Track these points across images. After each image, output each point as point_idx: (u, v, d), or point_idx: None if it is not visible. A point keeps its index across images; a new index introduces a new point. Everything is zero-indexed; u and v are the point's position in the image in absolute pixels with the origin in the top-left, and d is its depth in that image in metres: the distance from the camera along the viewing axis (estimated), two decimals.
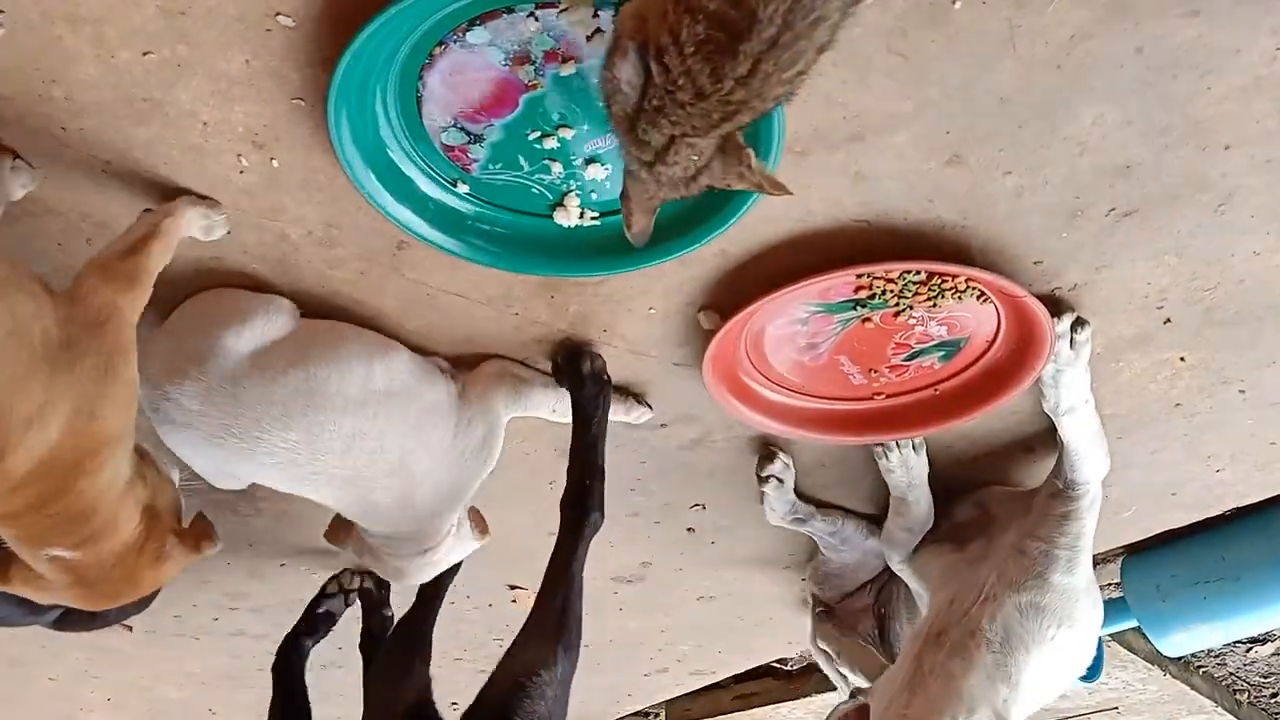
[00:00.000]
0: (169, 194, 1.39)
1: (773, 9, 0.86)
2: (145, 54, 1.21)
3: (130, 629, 2.75)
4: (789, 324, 1.64)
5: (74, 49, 1.20)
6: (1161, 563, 2.40)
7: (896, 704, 1.77)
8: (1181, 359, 1.74)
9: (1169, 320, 1.65)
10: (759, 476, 1.98)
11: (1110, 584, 2.56)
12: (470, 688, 3.03)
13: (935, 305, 1.58)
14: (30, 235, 1.46)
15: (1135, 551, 2.46)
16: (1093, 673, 2.67)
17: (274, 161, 1.35)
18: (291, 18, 1.16)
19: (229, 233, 1.43)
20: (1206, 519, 2.23)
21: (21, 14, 1.16)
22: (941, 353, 1.72)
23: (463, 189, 1.39)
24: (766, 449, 1.97)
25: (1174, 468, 2.03)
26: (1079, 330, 1.62)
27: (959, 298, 1.57)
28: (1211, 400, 1.83)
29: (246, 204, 1.42)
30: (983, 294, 1.57)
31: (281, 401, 1.45)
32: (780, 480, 1.99)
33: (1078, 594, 1.86)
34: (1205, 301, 1.61)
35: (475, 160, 1.35)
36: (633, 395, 1.82)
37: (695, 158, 1.00)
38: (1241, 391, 1.81)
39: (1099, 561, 2.60)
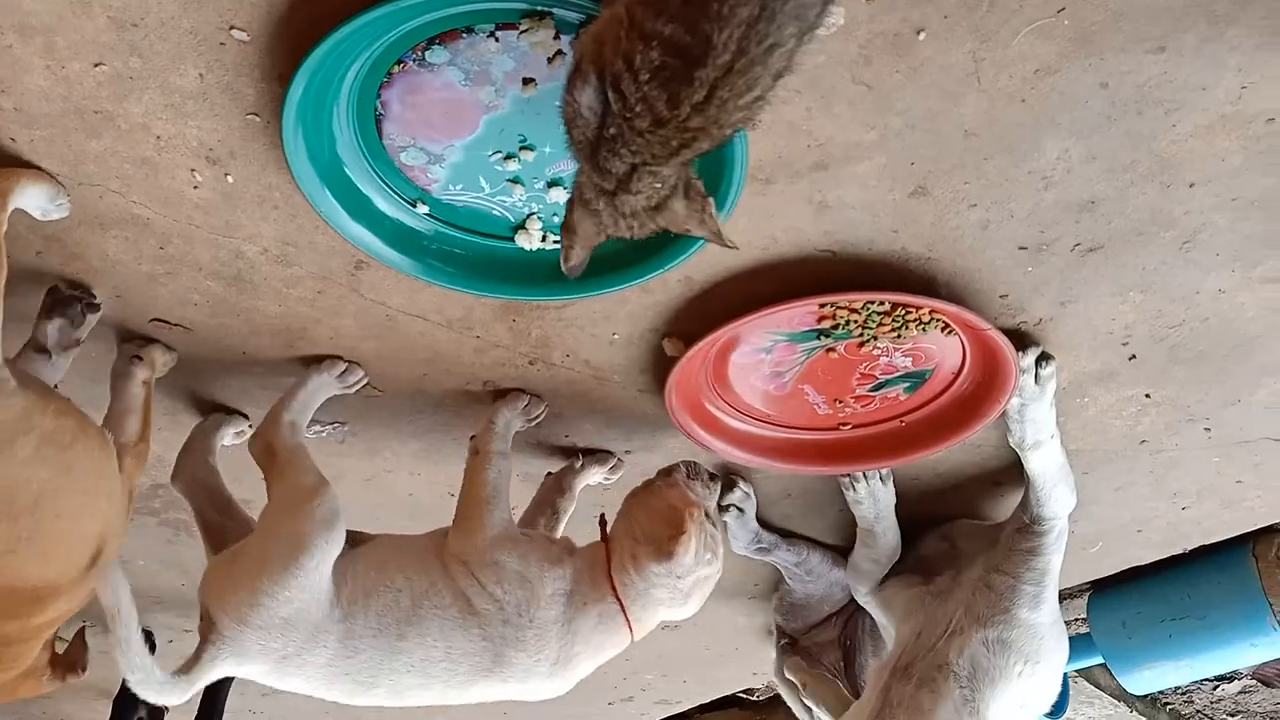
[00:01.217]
0: (121, 208, 1.36)
1: (727, 35, 0.85)
2: (96, 65, 1.18)
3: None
4: (753, 352, 1.62)
5: (24, 59, 1.17)
6: (1128, 599, 2.39)
7: None
8: (1147, 395, 1.73)
9: (1134, 357, 1.64)
10: (719, 506, 1.96)
11: (1077, 619, 2.54)
12: (431, 715, 2.98)
13: (900, 336, 1.57)
14: None
15: (1102, 588, 2.45)
16: (1059, 709, 2.64)
17: (229, 177, 1.32)
18: (246, 32, 1.14)
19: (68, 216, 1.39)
20: (1173, 556, 2.22)
21: None
22: (907, 384, 1.70)
23: (422, 209, 1.37)
24: (727, 478, 1.95)
25: (1140, 504, 2.02)
26: (1044, 365, 1.61)
27: (923, 329, 1.55)
28: (1177, 437, 1.83)
29: (201, 220, 1.40)
30: (947, 326, 1.56)
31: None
32: (741, 510, 1.97)
33: (1043, 630, 1.84)
34: (1170, 339, 1.61)
35: (435, 181, 1.33)
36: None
37: (658, 185, 0.99)
38: (1207, 429, 1.80)
39: (1066, 597, 2.60)
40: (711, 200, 1.07)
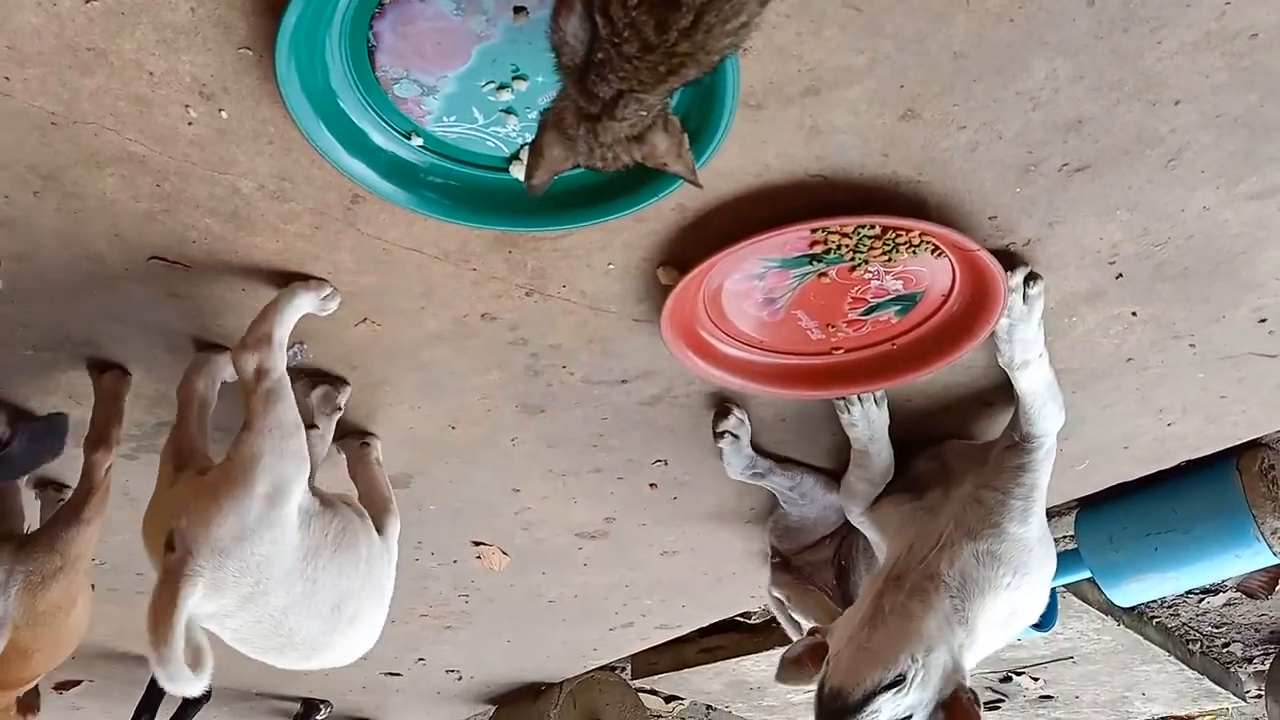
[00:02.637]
0: (117, 145, 1.37)
1: None
2: (88, 1, 1.18)
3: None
4: (746, 280, 1.65)
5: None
6: (1114, 515, 2.45)
7: (857, 638, 1.80)
8: (1133, 314, 1.76)
9: (1121, 275, 1.67)
10: (714, 432, 2.00)
11: (1064, 536, 2.61)
12: (436, 643, 3.06)
13: (890, 260, 1.59)
14: None
15: (1089, 504, 2.50)
16: (1047, 621, 2.72)
17: (222, 113, 1.33)
18: None
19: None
20: (1159, 472, 2.27)
21: None
22: (898, 307, 1.73)
23: (416, 142, 1.38)
24: (722, 405, 1.98)
25: (1126, 421, 2.06)
26: (1032, 285, 1.63)
27: (913, 252, 1.58)
28: (1162, 355, 1.86)
29: (197, 156, 1.41)
30: (937, 249, 1.58)
31: None
32: (735, 436, 2.01)
33: (1031, 544, 1.89)
34: (1156, 257, 1.63)
35: (429, 113, 1.34)
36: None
37: (643, 114, 1.00)
38: (1192, 346, 1.84)
39: (1054, 514, 2.65)
40: (686, 135, 1.08)
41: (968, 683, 1.76)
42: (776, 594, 2.35)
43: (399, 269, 1.62)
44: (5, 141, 1.37)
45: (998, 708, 3.99)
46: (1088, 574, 2.51)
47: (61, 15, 1.20)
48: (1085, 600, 2.98)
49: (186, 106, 1.32)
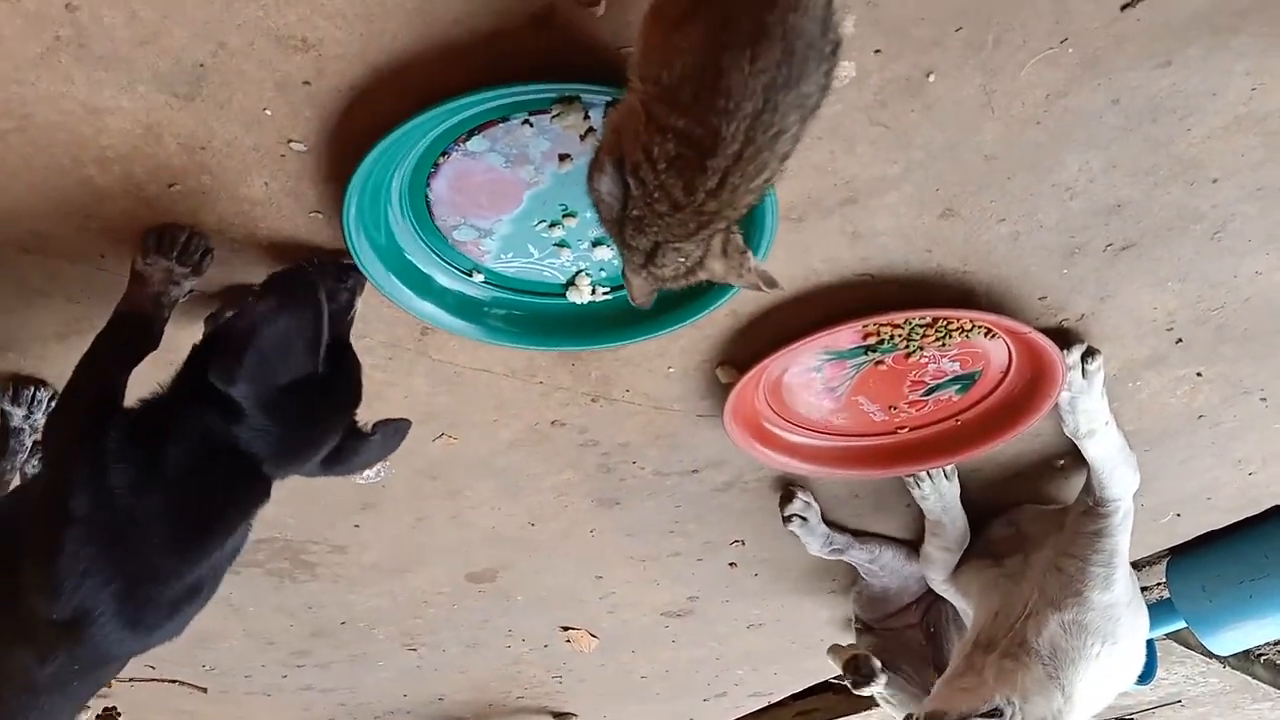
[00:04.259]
0: (205, 305, 1.47)
1: (735, 127, 0.92)
2: (171, 186, 1.29)
3: (205, 690, 2.86)
4: (804, 372, 1.69)
5: (105, 187, 1.28)
6: (1206, 563, 2.40)
7: (952, 684, 1.82)
8: (1198, 374, 1.76)
9: (1180, 340, 1.68)
10: (783, 517, 2.03)
11: (1157, 583, 2.57)
12: None
13: (944, 345, 1.62)
14: None
15: (1180, 553, 2.47)
16: (1147, 675, 2.67)
17: None
18: (303, 143, 1.24)
19: None
20: (1248, 518, 2.24)
21: (53, 158, 1.25)
22: (958, 386, 1.75)
23: (478, 278, 1.46)
24: (786, 489, 2.02)
25: (1206, 474, 2.04)
26: (1090, 360, 1.65)
27: (966, 335, 1.61)
28: (1234, 410, 1.85)
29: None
30: (990, 330, 1.61)
31: None
32: (804, 518, 2.04)
33: (1119, 609, 1.88)
34: (1214, 321, 1.64)
35: (487, 252, 1.42)
36: None
37: (683, 260, 1.06)
38: (1263, 399, 1.83)
39: (1145, 564, 2.62)
40: (749, 254, 1.13)
41: None
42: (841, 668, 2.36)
43: (470, 388, 1.70)
44: (105, 305, 1.48)
45: None
46: (1182, 624, 2.46)
47: (149, 199, 1.30)
48: (1187, 646, 2.92)
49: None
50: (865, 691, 2.18)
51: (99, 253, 1.38)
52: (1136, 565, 2.67)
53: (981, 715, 1.73)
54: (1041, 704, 1.77)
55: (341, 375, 1.34)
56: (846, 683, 2.23)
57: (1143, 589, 2.75)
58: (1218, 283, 1.56)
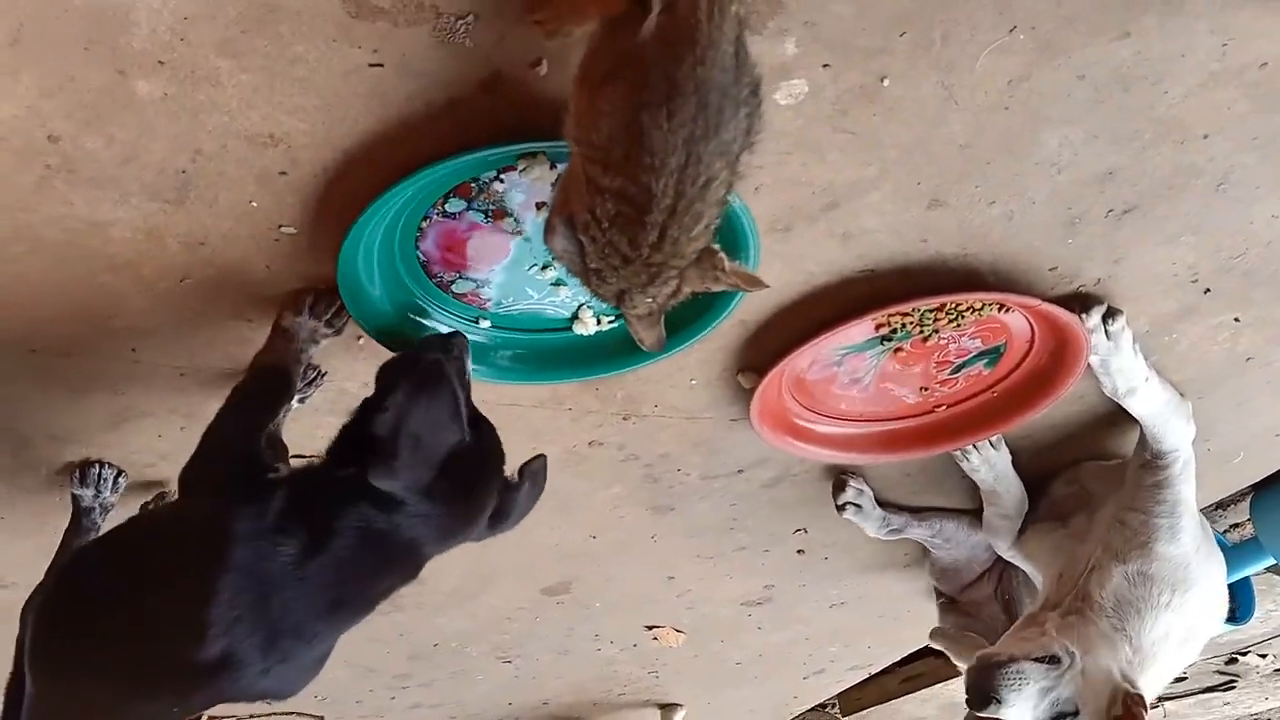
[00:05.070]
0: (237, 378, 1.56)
1: (664, 183, 0.94)
2: (182, 280, 1.37)
3: (322, 718, 3.01)
4: (824, 368, 1.70)
5: (119, 289, 1.37)
6: None
7: (1016, 634, 1.82)
8: (1236, 320, 1.72)
9: (1209, 290, 1.64)
10: (836, 506, 2.04)
11: (1240, 523, 2.52)
12: (630, 715, 3.17)
13: (959, 325, 1.62)
14: (139, 434, 1.66)
15: (1261, 489, 2.40)
16: (1244, 614, 2.61)
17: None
18: (292, 226, 1.31)
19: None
20: None
21: (68, 271, 1.33)
22: (985, 360, 1.74)
23: (485, 325, 1.51)
24: (837, 478, 2.03)
25: (1268, 412, 1.99)
26: (1112, 321, 1.62)
27: (978, 314, 1.60)
28: None
29: (309, 373, 1.58)
30: (1002, 305, 1.60)
31: None
32: (858, 505, 2.04)
33: (1187, 559, 1.85)
34: (1239, 267, 1.59)
35: (489, 299, 1.47)
36: None
37: (650, 300, 1.09)
38: None
39: (1230, 503, 2.56)
40: (721, 255, 1.13)
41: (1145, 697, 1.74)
42: (936, 643, 2.36)
43: (502, 421, 1.73)
44: (151, 398, 1.58)
45: (1233, 688, 3.82)
46: (1271, 560, 2.40)
47: (162, 294, 1.39)
48: None
49: None
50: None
51: (129, 347, 1.48)
52: (1220, 505, 2.61)
53: (1035, 659, 1.72)
54: (1106, 655, 1.75)
55: (485, 439, 1.38)
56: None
57: (1233, 526, 2.70)
58: (1234, 231, 1.52)
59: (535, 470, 1.42)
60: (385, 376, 1.34)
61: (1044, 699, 1.71)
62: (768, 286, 1.26)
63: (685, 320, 1.50)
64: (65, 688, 1.46)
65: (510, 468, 1.42)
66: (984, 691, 1.69)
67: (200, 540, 1.32)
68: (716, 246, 1.15)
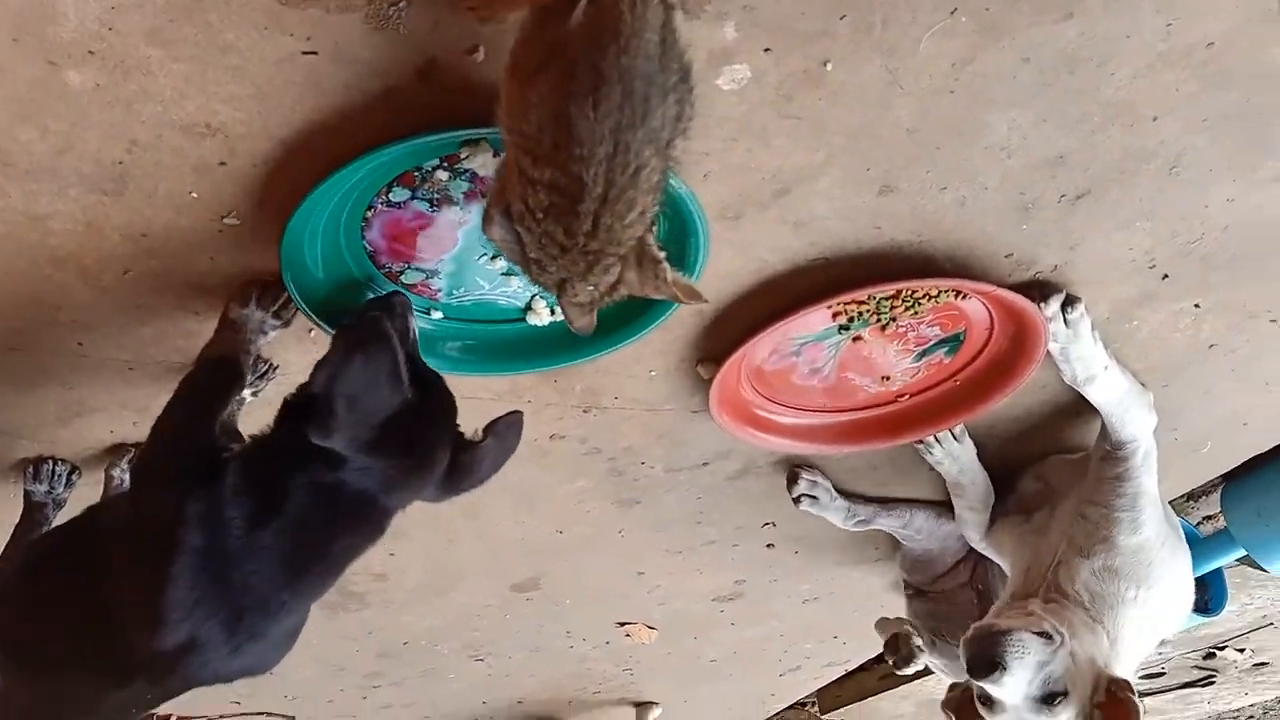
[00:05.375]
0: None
1: (594, 171, 0.93)
2: (125, 273, 1.35)
3: (293, 718, 2.99)
4: (782, 358, 1.69)
5: (65, 283, 1.36)
6: (1258, 486, 2.34)
7: (1001, 610, 1.82)
8: (1196, 305, 1.71)
9: (1166, 276, 1.63)
10: (792, 499, 2.04)
11: (1212, 515, 2.52)
12: (606, 714, 3.17)
13: (916, 313, 1.61)
14: (91, 429, 1.65)
15: (1232, 479, 2.40)
16: (1217, 605, 2.62)
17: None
18: (235, 217, 1.29)
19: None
20: None
21: (10, 264, 1.32)
22: (945, 348, 1.74)
23: (437, 315, 1.50)
24: (790, 470, 2.02)
25: (1233, 399, 1.98)
26: (1070, 309, 1.62)
27: (935, 301, 1.59)
28: (1244, 335, 1.79)
29: (261, 366, 1.57)
30: (960, 292, 1.59)
31: None
32: (813, 497, 2.04)
33: (1150, 551, 1.85)
34: (1196, 252, 1.59)
35: (439, 290, 1.46)
36: None
37: (591, 288, 1.08)
38: (1273, 320, 1.77)
39: (1201, 495, 2.56)
40: (665, 265, 1.13)
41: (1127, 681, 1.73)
42: (916, 629, 2.35)
43: (462, 415, 1.74)
44: (101, 392, 1.57)
45: (1212, 683, 3.82)
46: (1242, 551, 2.40)
47: (108, 289, 1.37)
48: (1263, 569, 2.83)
49: None
50: (908, 670, 2.17)
51: (75, 341, 1.46)
52: (1192, 496, 2.61)
53: (1034, 632, 1.70)
54: (1090, 642, 1.75)
55: (429, 395, 1.35)
56: (889, 662, 2.22)
57: (1206, 518, 2.70)
58: (1189, 215, 1.52)
59: (505, 427, 1.40)
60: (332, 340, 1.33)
61: (1039, 674, 1.68)
62: (706, 301, 1.26)
63: (635, 311, 1.49)
64: (36, 681, 1.45)
65: None
66: (989, 658, 1.66)
67: (154, 526, 1.31)
68: (661, 256, 1.14)
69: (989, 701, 1.74)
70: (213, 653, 1.30)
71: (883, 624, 2.33)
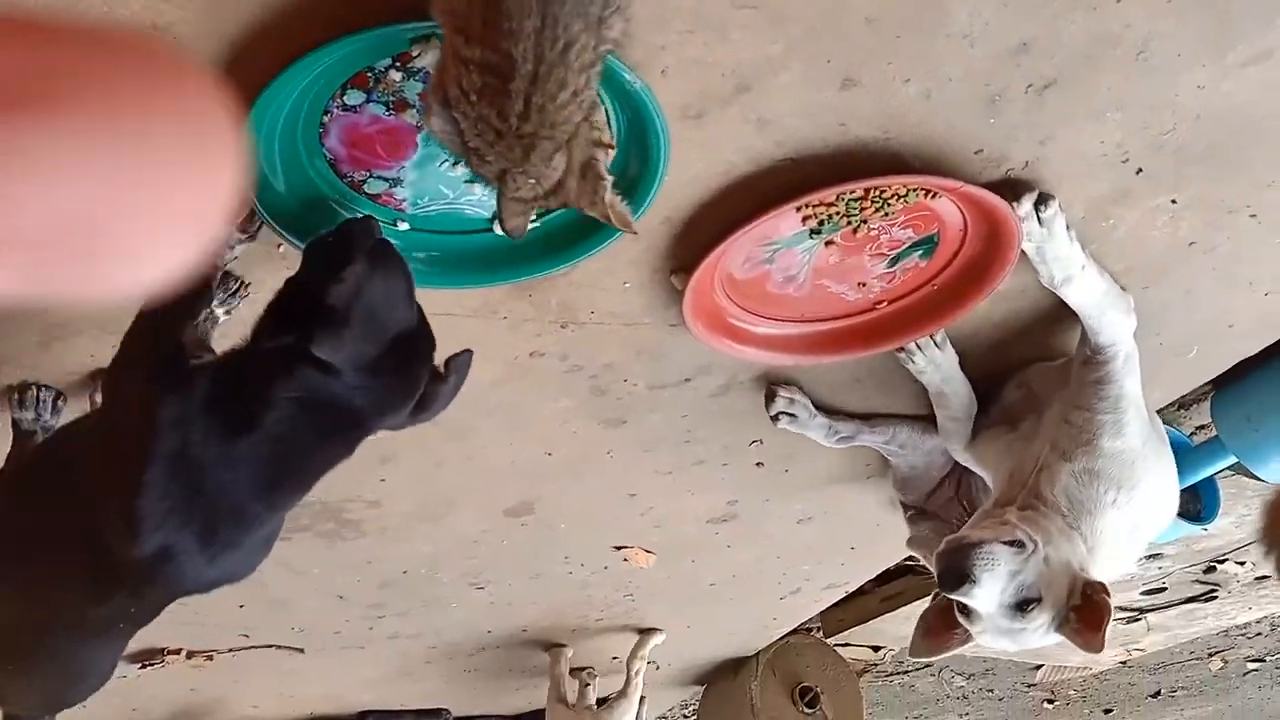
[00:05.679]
0: None
1: (523, 47, 0.92)
2: None
3: (302, 650, 3.04)
4: (754, 265, 1.69)
5: None
6: (1247, 392, 2.34)
7: (976, 523, 1.84)
8: (1173, 201, 1.70)
9: (1141, 170, 1.62)
10: (770, 418, 2.04)
11: (1208, 424, 2.51)
12: (610, 640, 3.20)
13: (887, 214, 1.60)
14: (72, 353, 1.66)
15: (1222, 386, 2.40)
16: (1209, 514, 2.62)
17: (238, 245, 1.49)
18: None
19: None
20: None
21: None
22: (919, 252, 1.73)
23: (403, 227, 1.50)
24: (768, 388, 2.02)
25: (1217, 300, 1.97)
26: (1043, 207, 1.60)
27: (904, 201, 1.58)
28: (1224, 232, 1.78)
29: (233, 284, 1.57)
30: (930, 191, 1.58)
31: None
32: (791, 414, 2.04)
33: (1133, 455, 1.85)
34: (1170, 144, 1.57)
35: (404, 199, 1.46)
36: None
37: (533, 181, 1.07)
38: (1253, 216, 1.75)
39: (1192, 403, 2.55)
40: (606, 183, 1.13)
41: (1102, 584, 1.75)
42: (914, 549, 2.37)
43: (438, 332, 1.75)
44: (77, 315, 1.57)
45: (1215, 598, 3.84)
46: (1233, 458, 2.40)
47: None
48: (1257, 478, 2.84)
49: None
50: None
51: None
52: (1183, 405, 2.61)
53: (1004, 542, 1.72)
54: (1066, 548, 1.76)
55: (422, 324, 1.37)
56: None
57: (1199, 428, 2.70)
58: (1160, 105, 1.50)
59: (459, 365, 1.42)
60: (316, 252, 1.33)
61: (1010, 582, 1.71)
62: (635, 233, 1.26)
63: (593, 224, 1.49)
64: (19, 600, 1.48)
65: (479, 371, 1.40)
66: (959, 572, 1.68)
67: (126, 435, 1.32)
68: (608, 176, 1.14)
69: (964, 609, 1.76)
70: (188, 561, 1.32)
71: (915, 542, 2.33)
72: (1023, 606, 1.72)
